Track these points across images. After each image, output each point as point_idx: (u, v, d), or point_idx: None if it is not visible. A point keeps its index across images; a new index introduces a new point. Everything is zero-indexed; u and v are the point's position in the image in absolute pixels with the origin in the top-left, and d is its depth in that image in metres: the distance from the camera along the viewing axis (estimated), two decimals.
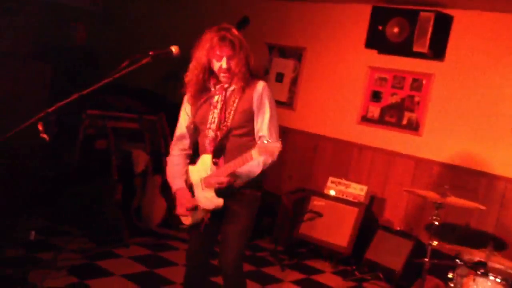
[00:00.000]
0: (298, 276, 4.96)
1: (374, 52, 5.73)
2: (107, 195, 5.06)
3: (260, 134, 2.94)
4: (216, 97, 2.99)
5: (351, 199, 5.47)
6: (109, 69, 2.58)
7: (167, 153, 5.78)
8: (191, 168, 3.09)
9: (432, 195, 3.95)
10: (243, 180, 2.92)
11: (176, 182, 3.09)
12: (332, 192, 5.61)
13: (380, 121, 5.74)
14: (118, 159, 5.35)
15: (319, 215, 5.40)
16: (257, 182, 3.00)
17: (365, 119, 5.85)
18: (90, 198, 5.29)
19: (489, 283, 3.46)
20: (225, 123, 2.94)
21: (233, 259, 2.99)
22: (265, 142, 2.67)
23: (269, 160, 2.91)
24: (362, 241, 5.23)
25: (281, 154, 6.40)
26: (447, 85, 5.32)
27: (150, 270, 4.48)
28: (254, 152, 2.66)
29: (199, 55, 2.93)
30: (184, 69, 3.05)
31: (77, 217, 5.26)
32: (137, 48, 2.80)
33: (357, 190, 5.51)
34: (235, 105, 2.94)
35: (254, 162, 2.83)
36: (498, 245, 4.43)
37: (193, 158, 3.18)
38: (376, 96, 5.78)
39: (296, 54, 6.39)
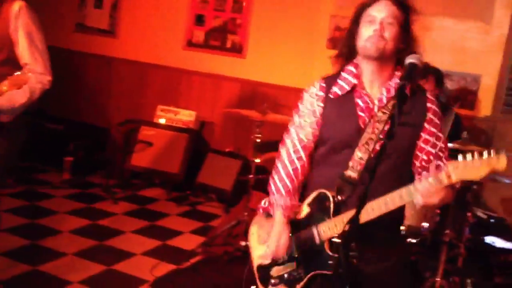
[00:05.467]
0: (132, 207, 4.89)
1: None
2: None
3: (23, 61, 2.68)
4: None
5: (181, 125, 5.46)
6: None
7: None
8: None
9: (252, 113, 4.05)
10: (8, 113, 2.64)
11: None
12: (162, 121, 5.54)
13: (205, 45, 5.70)
14: None
15: (150, 144, 5.32)
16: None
17: (191, 44, 5.77)
18: None
19: None
20: None
21: None
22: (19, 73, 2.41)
23: (38, 88, 2.70)
24: (195, 166, 5.29)
25: (107, 85, 6.09)
26: (266, 6, 5.38)
27: None
28: (3, 84, 2.37)
29: None
30: None
31: None
32: None
33: (186, 116, 5.50)
34: None
35: (19, 91, 2.55)
36: None
37: None
38: (199, 19, 5.70)
39: None
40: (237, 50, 5.54)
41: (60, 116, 6.03)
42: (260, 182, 4.17)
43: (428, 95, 2.04)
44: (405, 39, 1.97)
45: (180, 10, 5.76)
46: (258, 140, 4.07)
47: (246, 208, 4.05)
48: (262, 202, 2.28)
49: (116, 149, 5.51)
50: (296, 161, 2.11)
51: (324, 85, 2.08)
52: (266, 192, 4.14)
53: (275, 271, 2.12)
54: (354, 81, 2.02)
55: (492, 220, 4.06)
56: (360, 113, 1.98)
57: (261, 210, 2.28)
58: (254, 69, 5.47)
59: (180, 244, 4.18)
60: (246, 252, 3.90)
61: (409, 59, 1.83)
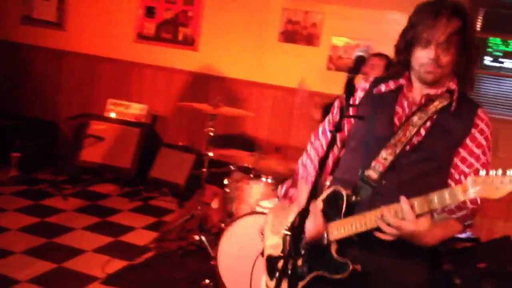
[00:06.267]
0: (83, 203, 4.78)
1: None
2: None
3: None
4: None
5: (132, 119, 5.37)
6: None
7: None
8: None
9: (205, 107, 4.03)
10: None
11: None
12: (113, 115, 5.44)
13: (156, 38, 5.62)
14: None
15: (100, 139, 5.21)
16: None
17: (142, 37, 5.69)
18: None
19: (262, 184, 3.69)
20: None
21: None
22: None
23: None
24: (148, 161, 5.21)
25: (56, 79, 5.96)
26: None
27: None
28: None
29: None
30: None
31: None
32: None
33: (138, 110, 5.42)
34: None
35: None
36: (267, 148, 4.75)
37: None
38: (150, 12, 5.62)
39: None
40: (189, 42, 5.49)
41: (8, 111, 5.85)
42: (214, 176, 4.17)
43: (480, 112, 1.88)
44: (463, 54, 1.84)
45: (130, 2, 5.67)
46: (211, 134, 4.04)
47: (200, 202, 4.03)
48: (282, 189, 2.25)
49: (66, 144, 5.38)
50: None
51: (372, 79, 2.03)
52: (219, 185, 4.16)
53: (281, 264, 1.98)
54: (402, 82, 1.93)
55: None
56: (395, 114, 1.90)
57: (282, 192, 2.24)
58: (206, 62, 5.44)
59: (133, 240, 4.12)
60: (200, 247, 3.90)
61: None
